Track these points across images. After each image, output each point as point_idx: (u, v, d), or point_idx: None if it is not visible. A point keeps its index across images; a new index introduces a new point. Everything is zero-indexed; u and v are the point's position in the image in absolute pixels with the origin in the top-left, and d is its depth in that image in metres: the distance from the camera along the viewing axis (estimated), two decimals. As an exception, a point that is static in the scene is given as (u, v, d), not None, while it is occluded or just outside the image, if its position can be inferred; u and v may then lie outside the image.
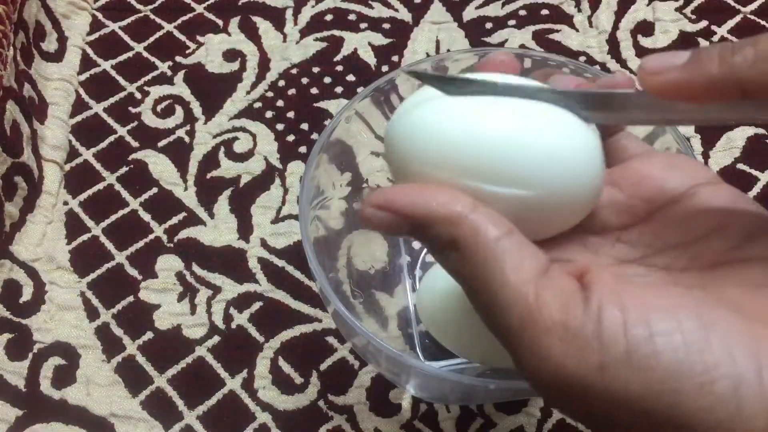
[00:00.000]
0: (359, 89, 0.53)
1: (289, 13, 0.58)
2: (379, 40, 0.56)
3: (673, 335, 0.16)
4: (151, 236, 0.48)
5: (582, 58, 0.54)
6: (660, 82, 0.19)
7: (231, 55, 0.56)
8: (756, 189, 0.48)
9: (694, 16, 0.56)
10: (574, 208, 0.22)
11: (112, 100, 0.54)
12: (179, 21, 0.58)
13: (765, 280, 0.19)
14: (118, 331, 0.45)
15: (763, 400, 0.16)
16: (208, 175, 0.50)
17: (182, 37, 0.57)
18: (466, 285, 0.20)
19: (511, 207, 0.21)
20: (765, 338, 0.17)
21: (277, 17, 0.58)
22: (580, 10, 0.57)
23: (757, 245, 0.20)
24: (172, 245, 0.48)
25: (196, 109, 0.53)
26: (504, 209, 0.20)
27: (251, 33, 0.57)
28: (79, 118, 0.53)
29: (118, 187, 0.50)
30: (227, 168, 0.51)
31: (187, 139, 0.52)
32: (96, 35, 0.58)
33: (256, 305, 0.45)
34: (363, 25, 0.57)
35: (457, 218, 0.19)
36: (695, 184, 0.23)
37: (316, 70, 0.55)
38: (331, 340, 0.44)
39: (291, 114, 0.53)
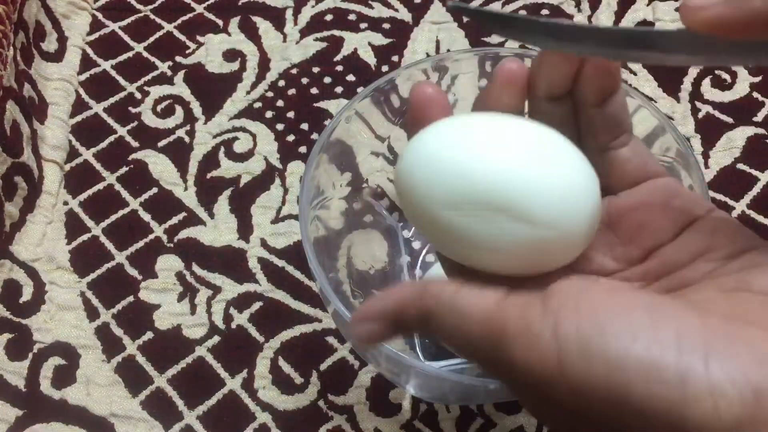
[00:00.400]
0: (359, 89, 0.53)
1: (289, 13, 0.58)
2: (379, 40, 0.56)
3: (623, 330, 0.17)
4: (151, 236, 0.48)
5: (582, 58, 0.54)
6: (703, 17, 0.19)
7: (231, 55, 0.56)
8: (756, 189, 0.48)
9: (694, 16, 0.56)
10: (570, 242, 0.23)
11: (112, 100, 0.54)
12: (179, 21, 0.58)
13: (737, 285, 0.20)
14: (118, 331, 0.45)
15: (710, 384, 0.16)
16: (208, 175, 0.50)
17: (182, 37, 0.57)
18: (456, 343, 0.21)
19: (507, 242, 0.22)
20: (718, 329, 0.17)
21: (277, 17, 0.58)
22: (580, 10, 0.57)
23: (736, 262, 0.22)
24: (172, 245, 0.48)
25: (196, 109, 0.53)
26: (501, 243, 0.22)
27: (251, 33, 0.57)
28: (79, 118, 0.53)
29: (118, 187, 0.50)
30: (227, 168, 0.51)
31: (187, 139, 0.52)
32: (96, 35, 0.58)
33: (256, 305, 0.45)
34: (363, 25, 0.57)
35: (419, 293, 0.22)
36: (683, 225, 0.24)
37: (316, 70, 0.55)
38: (331, 340, 0.44)
39: (291, 114, 0.53)
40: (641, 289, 0.21)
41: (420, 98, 0.26)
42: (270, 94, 0.54)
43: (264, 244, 0.47)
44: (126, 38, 0.57)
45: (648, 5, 0.57)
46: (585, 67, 0.24)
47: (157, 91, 0.55)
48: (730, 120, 0.51)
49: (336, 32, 0.57)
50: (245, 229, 0.48)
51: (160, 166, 0.51)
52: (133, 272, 0.47)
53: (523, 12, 0.57)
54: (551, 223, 0.22)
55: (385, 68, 0.55)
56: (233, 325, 0.44)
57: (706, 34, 0.19)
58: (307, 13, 0.58)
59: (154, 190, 0.50)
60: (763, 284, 0.20)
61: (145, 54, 0.57)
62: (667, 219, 0.24)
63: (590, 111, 0.25)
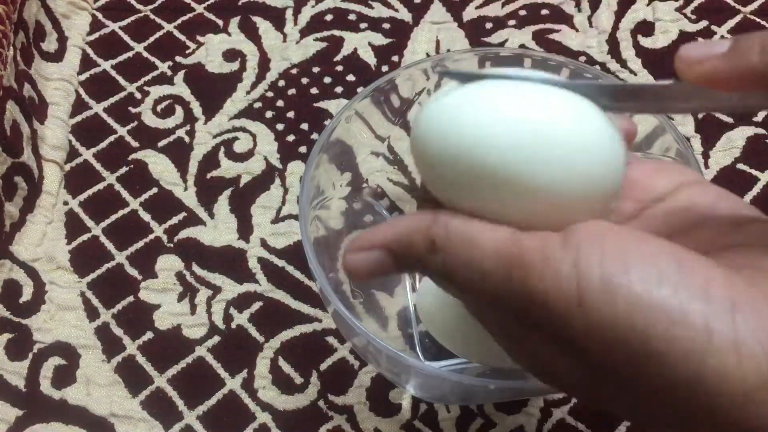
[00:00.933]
0: (359, 89, 0.53)
1: (289, 13, 0.58)
2: (379, 40, 0.56)
3: (649, 271, 0.17)
4: (151, 236, 0.48)
5: (582, 58, 0.54)
6: (698, 72, 0.19)
7: (231, 55, 0.56)
8: (756, 189, 0.48)
9: (694, 16, 0.56)
10: (595, 199, 0.21)
11: (112, 100, 0.54)
12: (179, 21, 0.58)
13: (745, 262, 0.19)
14: (118, 331, 0.45)
15: (735, 338, 0.16)
16: (208, 175, 0.50)
17: (182, 37, 0.57)
18: (463, 277, 0.20)
19: (531, 198, 0.20)
20: (743, 288, 0.17)
21: (277, 17, 0.58)
22: (580, 10, 0.57)
23: (740, 234, 0.21)
24: (172, 245, 0.48)
25: (196, 109, 0.53)
26: (524, 201, 0.20)
27: (251, 33, 0.57)
28: (79, 118, 0.53)
29: (118, 187, 0.50)
30: (227, 168, 0.51)
31: (187, 139, 0.52)
32: (96, 35, 0.58)
33: (256, 305, 0.45)
34: (363, 25, 0.57)
35: (428, 221, 0.20)
36: (681, 183, 0.23)
37: (316, 70, 0.55)
38: (331, 340, 0.44)
39: (291, 114, 0.53)
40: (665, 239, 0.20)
41: None
42: (270, 94, 0.54)
43: (264, 244, 0.47)
44: (126, 38, 0.57)
45: (648, 5, 0.57)
46: None
47: (157, 91, 0.55)
48: (730, 120, 0.51)
49: (336, 32, 0.57)
50: (245, 229, 0.48)
51: (160, 166, 0.51)
52: (133, 272, 0.47)
53: (523, 12, 0.57)
54: (578, 177, 0.20)
55: (385, 68, 0.55)
56: (233, 325, 0.44)
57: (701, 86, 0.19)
58: (307, 13, 0.58)
59: (154, 190, 0.50)
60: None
61: (145, 54, 0.57)
62: (664, 176, 0.24)
63: None
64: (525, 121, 0.20)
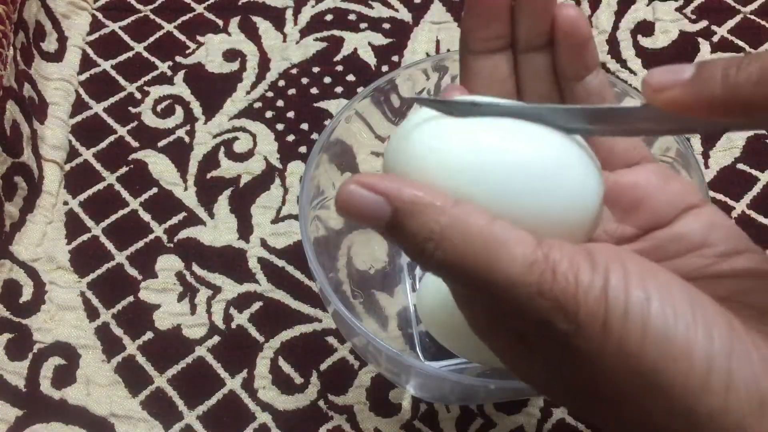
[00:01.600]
0: (359, 89, 0.53)
1: (289, 13, 0.58)
2: (379, 40, 0.56)
3: (666, 303, 0.18)
4: (151, 236, 0.48)
5: (582, 58, 0.54)
6: (663, 99, 0.19)
7: (231, 55, 0.56)
8: (756, 189, 0.48)
9: (694, 16, 0.56)
10: (572, 233, 0.22)
11: (112, 100, 0.54)
12: (179, 21, 0.58)
13: (727, 293, 0.21)
14: (118, 331, 0.45)
15: (728, 379, 0.17)
16: (208, 175, 0.50)
17: (182, 37, 0.57)
18: (455, 273, 0.19)
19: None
20: (740, 331, 0.18)
21: (277, 17, 0.58)
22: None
23: (728, 262, 0.22)
24: (172, 245, 0.48)
25: (196, 109, 0.53)
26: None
27: (251, 33, 0.57)
28: (79, 118, 0.53)
29: (118, 187, 0.50)
30: (227, 168, 0.51)
31: (187, 139, 0.52)
32: (96, 35, 0.58)
33: (256, 305, 0.45)
34: (363, 25, 0.57)
35: (442, 208, 0.19)
36: (683, 209, 0.24)
37: (316, 70, 0.55)
38: (331, 340, 0.44)
39: (291, 114, 0.53)
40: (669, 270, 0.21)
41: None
42: (270, 94, 0.54)
43: (264, 244, 0.47)
44: (126, 38, 0.57)
45: (648, 5, 0.57)
46: (556, 34, 0.24)
47: (157, 91, 0.55)
48: (730, 120, 0.51)
49: (336, 32, 0.57)
50: (245, 229, 0.48)
51: (160, 166, 0.51)
52: (133, 272, 0.47)
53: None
54: (553, 214, 0.21)
55: (385, 68, 0.55)
56: (233, 325, 0.44)
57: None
58: (307, 13, 0.58)
59: (154, 190, 0.50)
60: (756, 300, 0.20)
61: (145, 54, 0.57)
62: (665, 201, 0.24)
63: (571, 85, 0.25)
64: (499, 164, 0.20)
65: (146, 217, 0.49)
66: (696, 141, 0.50)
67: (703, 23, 0.55)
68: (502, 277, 0.18)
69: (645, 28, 0.56)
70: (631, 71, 0.53)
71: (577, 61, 0.25)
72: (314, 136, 0.52)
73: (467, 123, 0.21)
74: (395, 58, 0.55)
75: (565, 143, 0.22)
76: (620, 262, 0.18)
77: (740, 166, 0.49)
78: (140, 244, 0.48)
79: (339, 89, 0.54)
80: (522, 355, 0.21)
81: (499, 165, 0.20)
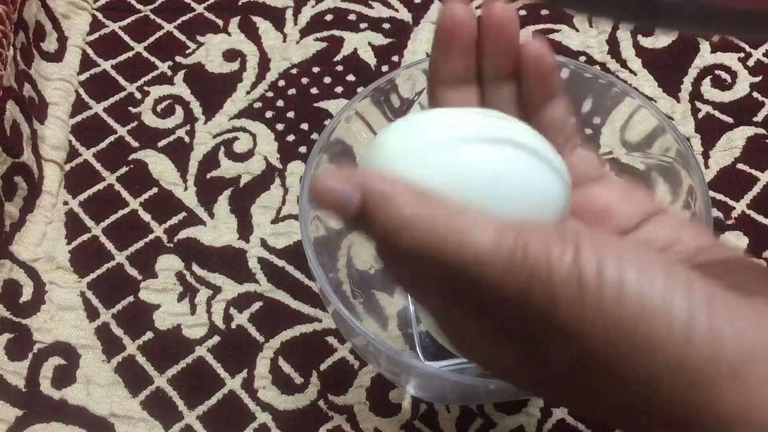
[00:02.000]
0: (359, 89, 0.53)
1: (289, 13, 0.58)
2: (379, 40, 0.56)
3: (641, 264, 0.18)
4: (151, 236, 0.48)
5: (582, 58, 0.54)
6: None
7: (231, 55, 0.56)
8: (756, 189, 0.48)
9: (694, 16, 0.56)
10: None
11: (112, 100, 0.54)
12: (179, 21, 0.58)
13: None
14: (118, 331, 0.45)
15: (711, 327, 0.17)
16: (208, 175, 0.50)
17: (182, 37, 0.57)
18: (425, 261, 0.19)
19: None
20: (716, 285, 0.18)
21: (277, 17, 0.58)
22: (580, 10, 0.57)
23: (702, 256, 0.23)
24: (172, 245, 0.48)
25: (196, 109, 0.53)
26: None
27: (251, 33, 0.57)
28: (79, 118, 0.53)
29: (118, 187, 0.50)
30: (227, 168, 0.51)
31: (187, 139, 0.52)
32: (96, 35, 0.58)
33: (256, 305, 0.45)
34: (363, 25, 0.57)
35: (411, 197, 0.19)
36: (646, 214, 0.25)
37: (316, 70, 0.55)
38: (331, 340, 0.44)
39: (291, 114, 0.53)
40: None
41: (449, 22, 0.26)
42: (270, 94, 0.54)
43: (264, 244, 0.47)
44: (126, 38, 0.57)
45: (648, 5, 0.57)
46: (523, 64, 0.25)
47: (157, 91, 0.55)
48: (730, 120, 0.51)
49: (336, 32, 0.57)
50: (245, 229, 0.48)
51: (160, 166, 0.51)
52: (133, 272, 0.47)
53: (523, 12, 0.57)
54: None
55: (385, 68, 0.55)
56: (233, 325, 0.44)
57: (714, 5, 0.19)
58: (307, 13, 0.58)
59: (154, 190, 0.50)
60: (735, 280, 0.20)
61: (145, 54, 0.57)
62: (632, 205, 0.25)
63: (537, 113, 0.26)
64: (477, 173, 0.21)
65: (146, 217, 0.49)
66: (696, 141, 0.50)
67: (703, 23, 0.55)
68: (472, 255, 0.19)
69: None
70: (631, 71, 0.53)
71: (542, 90, 0.26)
72: (314, 136, 0.52)
73: (440, 135, 0.22)
74: (395, 58, 0.55)
75: (537, 150, 0.23)
76: (590, 233, 0.19)
77: (740, 166, 0.49)
78: (140, 244, 0.48)
79: (339, 89, 0.54)
80: (504, 347, 0.21)
81: (476, 170, 0.21)
